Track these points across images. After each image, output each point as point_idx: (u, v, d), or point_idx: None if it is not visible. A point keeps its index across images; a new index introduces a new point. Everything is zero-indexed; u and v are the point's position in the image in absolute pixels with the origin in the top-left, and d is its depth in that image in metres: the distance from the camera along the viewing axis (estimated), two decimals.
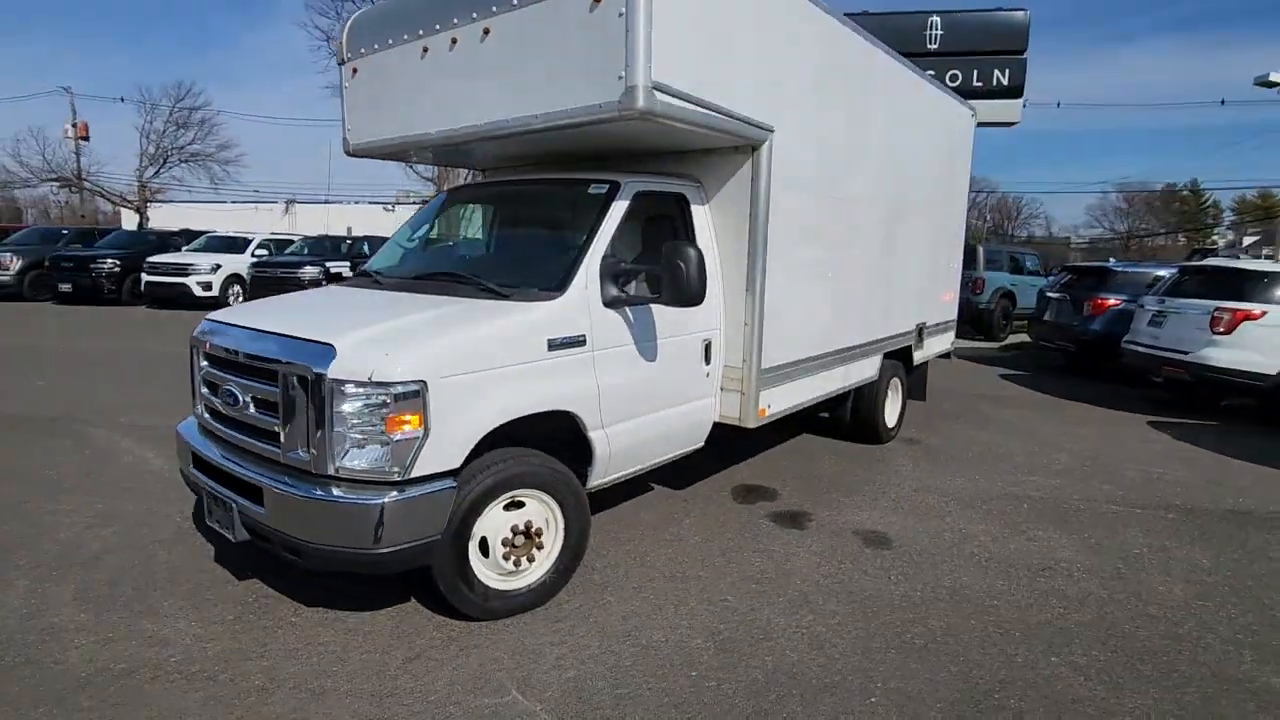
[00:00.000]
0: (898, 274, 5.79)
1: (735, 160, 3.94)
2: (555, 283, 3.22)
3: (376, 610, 3.09)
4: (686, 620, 3.12)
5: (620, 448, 3.51)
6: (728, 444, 5.46)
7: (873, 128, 5.04)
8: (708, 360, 4.03)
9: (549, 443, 3.30)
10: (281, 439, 2.77)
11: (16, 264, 14.10)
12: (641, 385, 3.58)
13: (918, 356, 6.53)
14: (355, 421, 2.60)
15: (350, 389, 2.58)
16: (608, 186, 3.57)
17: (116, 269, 14.39)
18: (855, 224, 5.00)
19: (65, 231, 17.35)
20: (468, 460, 2.89)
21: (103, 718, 2.37)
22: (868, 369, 5.55)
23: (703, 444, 4.24)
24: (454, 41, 3.60)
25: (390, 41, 3.94)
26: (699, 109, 3.30)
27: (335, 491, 2.62)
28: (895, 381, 6.23)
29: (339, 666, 2.67)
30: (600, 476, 3.49)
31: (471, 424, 2.77)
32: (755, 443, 5.78)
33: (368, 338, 2.76)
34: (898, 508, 4.60)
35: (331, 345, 2.69)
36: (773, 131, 3.86)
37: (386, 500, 2.60)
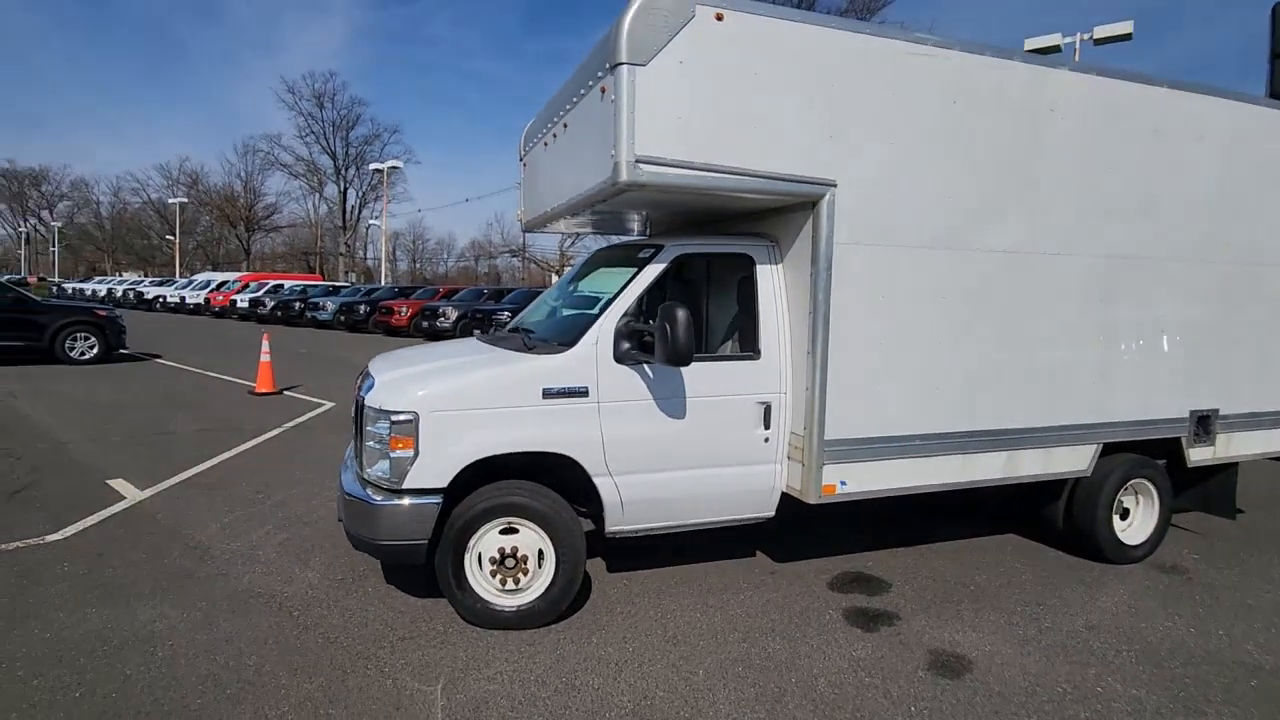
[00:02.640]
0: (1131, 342, 4.46)
1: (799, 217, 3.78)
2: (570, 339, 3.61)
3: (432, 600, 3.82)
4: (630, 682, 3.11)
5: (636, 498, 3.65)
6: (881, 523, 4.94)
7: (1047, 166, 4.11)
8: (766, 424, 3.86)
9: (563, 483, 3.67)
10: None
11: (453, 315, 19.59)
12: (663, 441, 3.67)
13: (1199, 455, 4.81)
14: (372, 439, 3.41)
15: (370, 413, 3.40)
16: (652, 250, 3.82)
17: (508, 318, 18.91)
18: (1013, 282, 4.11)
19: (484, 290, 23.34)
20: (472, 485, 3.46)
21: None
22: (1066, 461, 4.39)
23: (772, 513, 4.02)
24: (555, 135, 4.31)
25: (534, 140, 4.85)
26: (707, 174, 3.36)
27: (360, 491, 3.45)
28: (1144, 484, 4.71)
29: (366, 629, 3.47)
30: (618, 523, 3.68)
31: (458, 452, 3.34)
32: (924, 530, 5.03)
33: (399, 376, 3.57)
34: (1037, 640, 3.58)
35: (374, 378, 3.58)
36: (834, 186, 3.60)
37: (382, 502, 3.33)
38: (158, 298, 35.27)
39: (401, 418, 3.31)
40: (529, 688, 3.03)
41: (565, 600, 3.55)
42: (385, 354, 4.20)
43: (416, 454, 3.30)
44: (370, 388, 3.55)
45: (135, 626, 3.44)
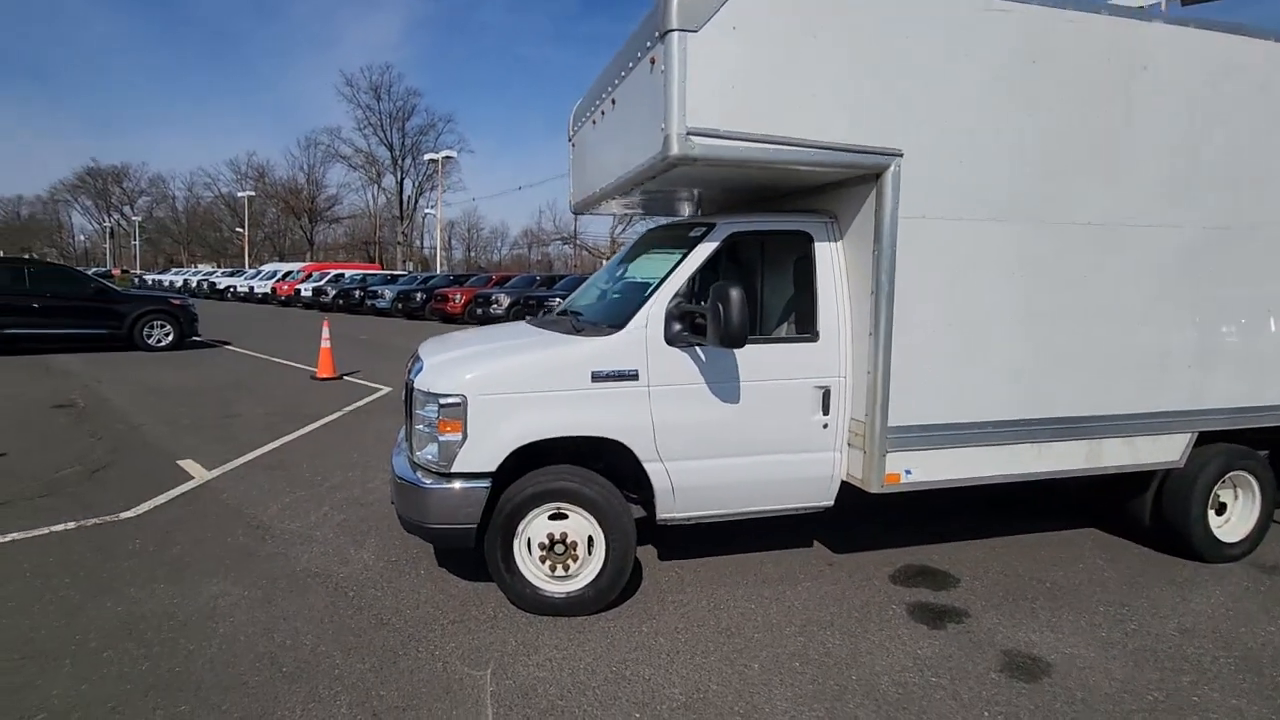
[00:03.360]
0: (1233, 322, 4.07)
1: (861, 191, 3.56)
2: (619, 321, 3.50)
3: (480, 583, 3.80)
4: (682, 673, 3.01)
5: (689, 485, 3.54)
6: (946, 513, 4.71)
7: (1138, 130, 3.76)
8: (825, 409, 3.68)
9: (613, 469, 3.58)
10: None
11: (506, 301, 19.79)
12: (716, 426, 3.54)
13: None
14: (421, 423, 3.39)
15: (419, 396, 3.38)
16: (704, 229, 3.67)
17: (559, 304, 18.94)
18: (1098, 257, 3.79)
19: (536, 277, 23.49)
20: (521, 470, 3.42)
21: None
22: (1155, 451, 4.06)
23: (830, 502, 3.85)
24: (603, 113, 4.18)
25: (583, 119, 4.74)
26: (763, 146, 3.19)
27: (411, 474, 3.43)
28: (1244, 477, 4.33)
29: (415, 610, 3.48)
30: (669, 510, 3.58)
31: (506, 436, 3.28)
32: (993, 522, 4.76)
33: (447, 359, 3.54)
34: (1122, 644, 3.32)
35: (423, 362, 3.56)
36: (899, 155, 3.38)
37: (432, 486, 3.30)
38: (229, 288, 36.91)
39: (450, 401, 3.27)
40: (578, 675, 2.96)
41: (615, 589, 3.48)
42: (435, 338, 4.18)
43: (465, 437, 3.26)
44: (419, 371, 3.52)
45: (199, 603, 3.53)
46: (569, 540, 3.41)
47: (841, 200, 3.73)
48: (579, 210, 5.21)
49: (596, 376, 3.36)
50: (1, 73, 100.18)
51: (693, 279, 3.56)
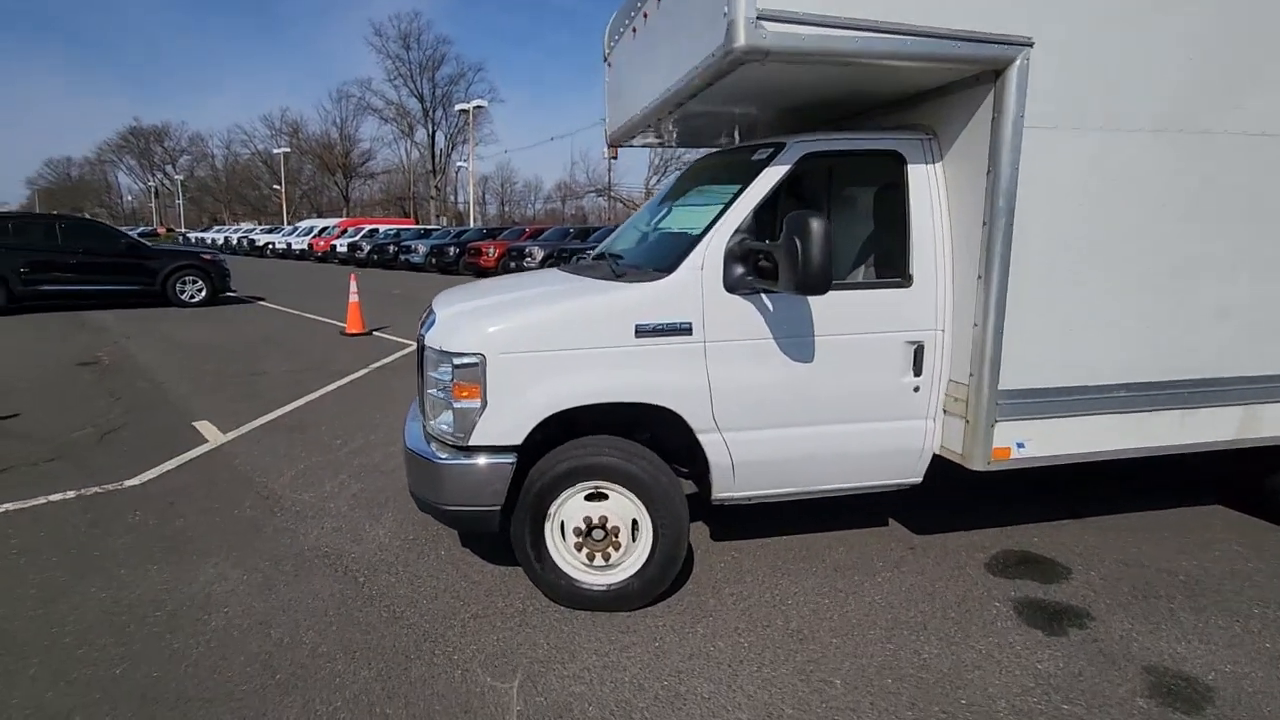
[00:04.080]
0: None
1: (973, 97, 2.83)
2: (668, 263, 2.88)
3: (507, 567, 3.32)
4: (748, 690, 2.48)
5: (751, 459, 2.96)
6: (1039, 485, 4.06)
7: None
8: (917, 369, 3.03)
9: (661, 440, 3.03)
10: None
11: (540, 254, 19.19)
12: (785, 390, 2.93)
13: None
14: (434, 387, 2.85)
15: (431, 354, 2.84)
16: (771, 150, 2.99)
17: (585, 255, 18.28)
18: (1270, 181, 3.01)
19: (570, 230, 22.77)
20: (552, 443, 2.87)
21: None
22: None
23: (918, 479, 3.24)
24: (645, 16, 3.48)
25: (620, 32, 4.03)
26: (852, 34, 2.48)
27: (424, 447, 2.92)
28: None
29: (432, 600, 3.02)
30: (726, 489, 3.01)
31: (533, 402, 2.73)
32: (1097, 497, 4.10)
33: (463, 310, 2.98)
34: None
35: (436, 314, 3.01)
36: (1028, 46, 2.63)
37: (445, 461, 2.78)
38: (267, 244, 37.07)
39: (465, 360, 2.72)
40: (622, 692, 2.46)
41: (664, 581, 2.95)
42: (454, 288, 3.63)
43: (484, 404, 2.72)
44: (431, 325, 2.98)
45: (193, 589, 3.12)
46: (609, 525, 2.87)
47: (944, 111, 3.00)
48: (616, 141, 4.53)
49: (642, 330, 2.77)
50: (47, 36, 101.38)
51: (758, 211, 2.90)
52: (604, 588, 2.93)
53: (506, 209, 70.79)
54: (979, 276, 2.85)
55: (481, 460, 2.76)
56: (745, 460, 2.95)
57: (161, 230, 56.62)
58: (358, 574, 3.27)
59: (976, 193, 2.84)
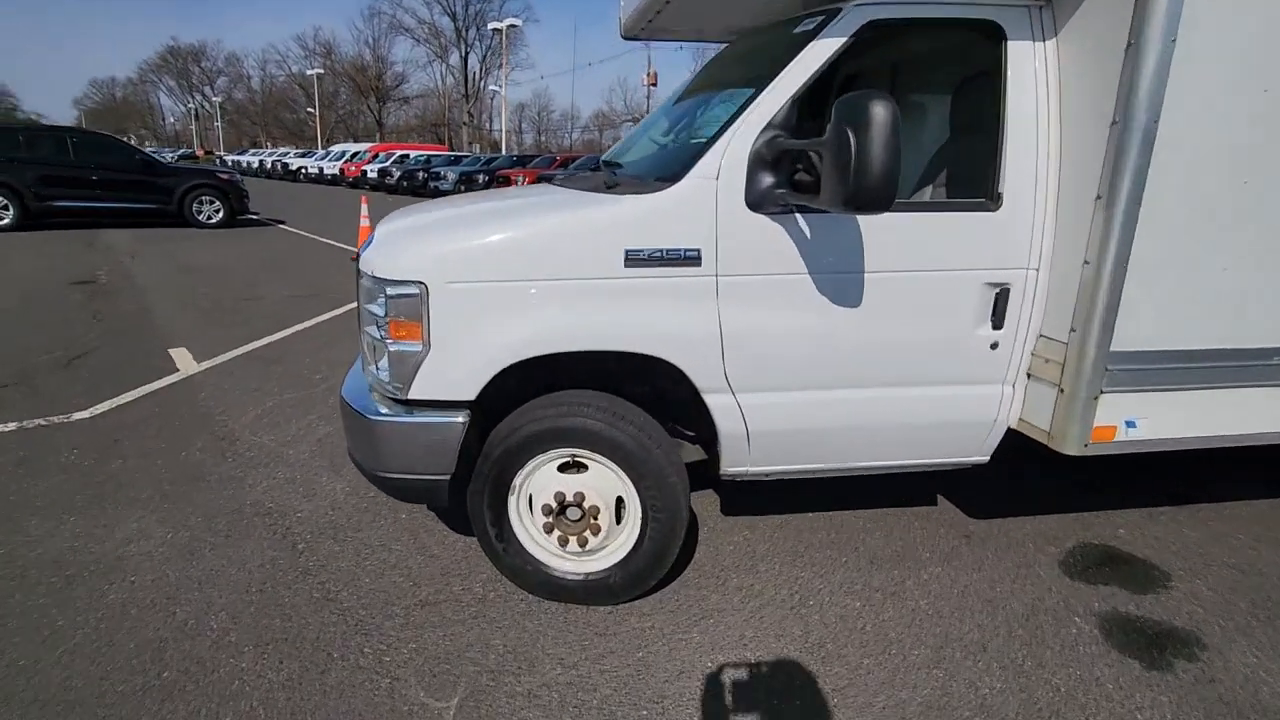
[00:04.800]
0: None
1: None
2: (673, 171, 2.17)
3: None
4: None
5: (771, 428, 2.31)
6: (1118, 459, 3.35)
7: None
8: (997, 320, 2.31)
9: (657, 396, 2.40)
10: None
11: None
12: (823, 342, 2.25)
13: None
14: (369, 323, 2.24)
15: (366, 282, 2.21)
16: (820, 20, 2.21)
17: None
18: None
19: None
20: (520, 398, 2.27)
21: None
22: None
23: (985, 458, 2.57)
24: None
25: None
26: None
27: (358, 399, 2.33)
28: None
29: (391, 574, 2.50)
30: (738, 463, 2.38)
31: (490, 346, 2.10)
32: (1192, 476, 3.37)
33: (404, 226, 2.33)
34: None
35: (375, 232, 2.37)
36: None
37: (379, 418, 2.19)
38: (300, 169, 36.61)
39: (401, 290, 2.09)
40: (570, 710, 1.91)
41: (655, 574, 2.37)
42: (413, 205, 2.97)
43: (427, 347, 2.10)
44: (368, 244, 2.34)
45: (105, 549, 2.65)
46: (587, 504, 2.28)
47: None
48: (630, 33, 3.73)
49: (634, 258, 2.09)
50: None
51: (797, 101, 2.14)
52: (580, 577, 2.36)
53: (543, 138, 68.93)
54: (1097, 197, 2.08)
55: (424, 418, 2.17)
56: (764, 429, 2.30)
57: (200, 152, 56.61)
58: (298, 539, 2.76)
59: (1105, 79, 2.04)
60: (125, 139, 19.22)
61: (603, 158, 3.12)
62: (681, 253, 2.10)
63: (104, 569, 2.53)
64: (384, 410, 2.22)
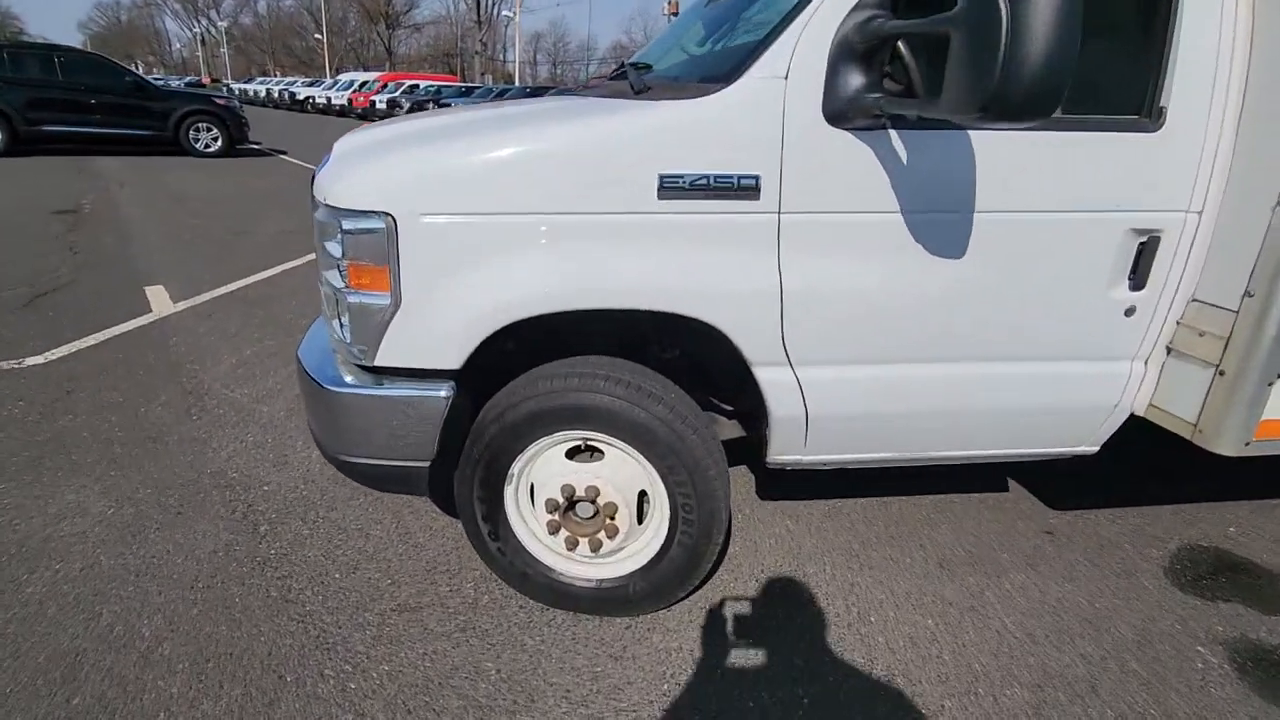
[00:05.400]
0: None
1: None
2: (725, 69, 1.61)
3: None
4: None
5: (835, 412, 1.82)
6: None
7: None
8: (1137, 279, 1.78)
9: (692, 365, 1.91)
10: None
11: None
12: (913, 304, 1.73)
13: None
14: (325, 265, 1.74)
15: (320, 213, 1.70)
16: None
17: None
18: None
19: None
20: (514, 369, 1.79)
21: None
22: None
23: (1095, 449, 2.07)
24: None
25: None
26: None
27: (316, 363, 1.85)
28: None
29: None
30: (790, 451, 1.90)
31: (477, 304, 1.60)
32: None
33: (368, 141, 1.81)
34: None
35: (332, 149, 1.85)
36: None
37: (340, 390, 1.72)
38: (308, 99, 35.43)
39: (360, 224, 1.58)
40: None
41: (684, 586, 1.93)
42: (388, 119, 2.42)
43: (396, 299, 1.61)
44: (323, 163, 1.82)
45: (33, 526, 2.25)
46: (601, 500, 1.82)
47: None
48: None
49: (670, 186, 1.56)
50: None
51: None
52: (592, 584, 1.93)
53: (559, 71, 66.46)
54: None
55: (396, 391, 1.69)
56: (827, 413, 1.81)
57: (207, 80, 55.02)
58: (261, 519, 2.34)
59: None
60: (133, 66, 18.37)
61: (633, 59, 2.53)
62: (734, 180, 1.56)
63: (27, 552, 2.12)
64: (347, 379, 1.75)
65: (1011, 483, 2.80)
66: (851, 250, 1.65)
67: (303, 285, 4.94)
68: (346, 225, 1.57)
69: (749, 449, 2.04)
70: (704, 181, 1.55)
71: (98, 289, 4.64)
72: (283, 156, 13.30)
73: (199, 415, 3.03)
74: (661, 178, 1.54)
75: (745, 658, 1.86)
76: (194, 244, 6.00)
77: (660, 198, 1.55)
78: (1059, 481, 2.74)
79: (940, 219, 1.65)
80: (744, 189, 1.57)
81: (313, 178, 1.82)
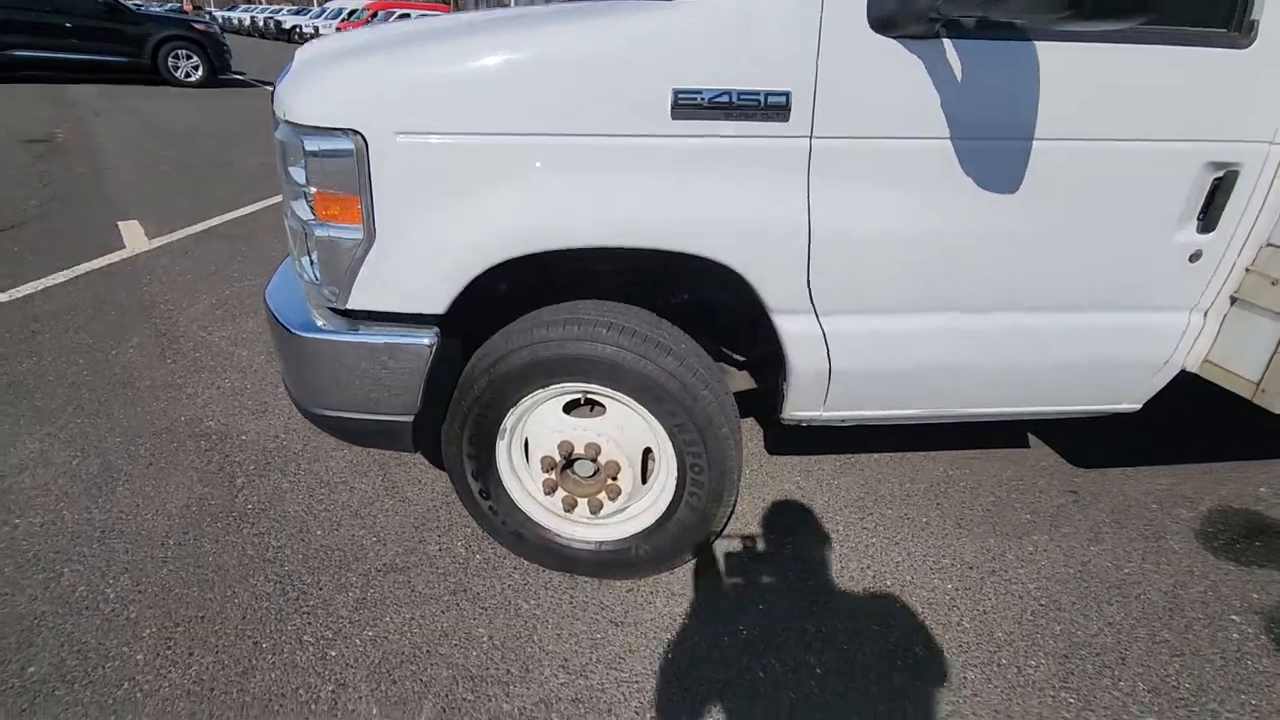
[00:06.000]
0: None
1: None
2: None
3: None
4: None
5: (861, 366, 1.65)
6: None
7: None
8: (1206, 220, 1.58)
9: (703, 309, 1.73)
10: None
11: None
12: (958, 246, 1.53)
13: None
14: (290, 193, 1.53)
15: (282, 131, 1.48)
16: None
17: None
18: None
19: None
20: (508, 309, 1.61)
21: None
22: None
23: (1137, 407, 1.92)
24: None
25: None
26: None
27: (284, 307, 1.67)
28: None
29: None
30: (807, 408, 1.74)
31: (466, 238, 1.40)
32: None
33: (335, 49, 1.57)
34: None
35: (292, 62, 1.61)
36: None
37: (309, 336, 1.54)
38: (295, 27, 33.94)
39: (326, 145, 1.36)
40: None
41: (692, 548, 1.80)
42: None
43: (370, 233, 1.41)
44: (282, 76, 1.59)
45: None
46: (603, 458, 1.67)
47: None
48: None
49: (686, 103, 1.34)
50: None
51: None
52: (592, 546, 1.80)
53: None
54: None
55: (372, 338, 1.51)
56: (853, 367, 1.64)
57: (188, 8, 52.68)
58: (238, 471, 2.20)
59: None
60: None
61: None
62: (761, 97, 1.35)
63: None
64: (319, 323, 1.56)
65: (1032, 438, 2.66)
66: (891, 182, 1.45)
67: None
68: (310, 146, 1.36)
69: (759, 402, 1.88)
70: (725, 99, 1.33)
71: (68, 223, 4.39)
72: (268, 88, 12.70)
73: (173, 359, 2.85)
74: (676, 93, 1.32)
75: (755, 623, 1.74)
76: (172, 177, 5.70)
77: (674, 117, 1.34)
78: (1081, 437, 2.60)
79: (996, 147, 1.44)
80: (771, 108, 1.35)
81: (273, 91, 1.59)
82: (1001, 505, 2.27)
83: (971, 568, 1.99)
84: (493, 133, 1.34)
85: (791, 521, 2.13)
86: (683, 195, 1.39)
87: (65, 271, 3.63)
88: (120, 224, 4.41)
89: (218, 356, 2.89)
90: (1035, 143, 1.45)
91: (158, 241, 4.17)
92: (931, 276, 1.55)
